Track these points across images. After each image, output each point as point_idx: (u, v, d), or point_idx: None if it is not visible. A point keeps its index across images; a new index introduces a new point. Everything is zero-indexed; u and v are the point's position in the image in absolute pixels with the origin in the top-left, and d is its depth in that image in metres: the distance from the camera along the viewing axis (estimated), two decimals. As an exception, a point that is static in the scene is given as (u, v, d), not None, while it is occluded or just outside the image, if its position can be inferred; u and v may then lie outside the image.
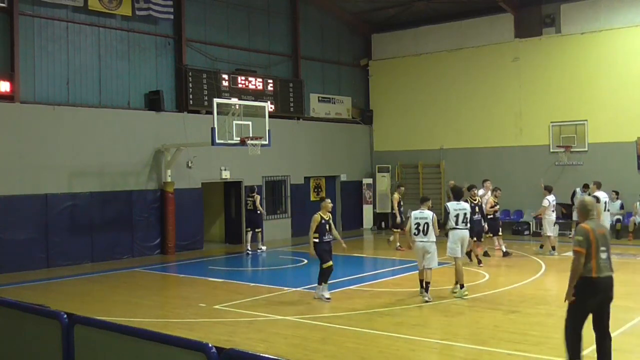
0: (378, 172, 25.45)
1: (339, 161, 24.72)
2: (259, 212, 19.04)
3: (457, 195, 12.81)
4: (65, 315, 4.96)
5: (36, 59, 16.76)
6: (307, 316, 10.53)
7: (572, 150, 21.30)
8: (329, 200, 12.23)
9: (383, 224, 24.96)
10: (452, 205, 12.27)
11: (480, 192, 17.08)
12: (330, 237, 11.94)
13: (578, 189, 19.59)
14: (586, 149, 21.23)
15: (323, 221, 11.80)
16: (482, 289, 12.60)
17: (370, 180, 25.42)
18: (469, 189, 15.65)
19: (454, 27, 24.07)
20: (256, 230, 19.17)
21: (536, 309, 10.96)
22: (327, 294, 11.75)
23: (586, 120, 21.27)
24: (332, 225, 12.04)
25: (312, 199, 23.99)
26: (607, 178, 20.39)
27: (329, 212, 11.98)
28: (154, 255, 18.41)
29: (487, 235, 16.69)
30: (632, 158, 20.41)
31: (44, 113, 16.67)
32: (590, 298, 6.94)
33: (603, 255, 6.96)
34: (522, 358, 8.02)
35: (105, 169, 17.79)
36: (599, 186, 17.24)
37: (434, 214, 11.83)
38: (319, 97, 24.33)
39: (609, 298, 7.06)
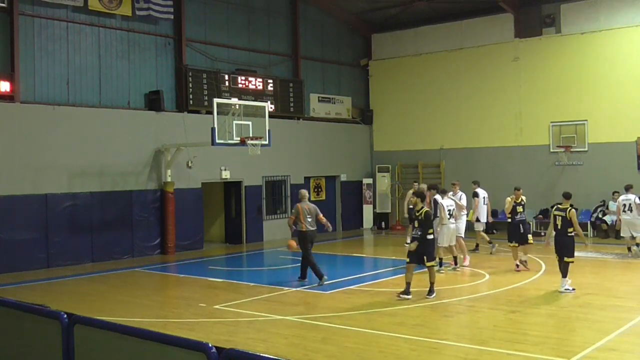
0: (378, 172, 25.46)
1: (339, 161, 24.72)
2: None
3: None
4: (65, 315, 4.96)
5: (36, 59, 16.76)
6: (307, 316, 10.53)
7: (572, 150, 21.31)
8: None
9: (383, 223, 24.98)
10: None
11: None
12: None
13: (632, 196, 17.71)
14: (586, 149, 21.23)
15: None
16: (482, 289, 12.60)
17: (370, 180, 25.42)
18: (516, 189, 14.96)
19: (454, 27, 24.07)
20: None
21: (536, 309, 10.97)
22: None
23: (586, 120, 21.28)
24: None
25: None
26: (607, 178, 20.44)
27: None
28: (154, 255, 18.41)
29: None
30: (632, 158, 20.41)
31: (44, 113, 16.66)
32: (305, 240, 13.32)
33: (309, 219, 13.36)
34: (522, 358, 8.02)
35: (105, 169, 17.79)
36: (477, 184, 17.72)
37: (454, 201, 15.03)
38: (319, 97, 24.33)
39: (313, 241, 13.54)
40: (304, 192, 14.02)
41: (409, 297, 11.49)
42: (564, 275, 12.02)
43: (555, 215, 12.25)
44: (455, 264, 14.80)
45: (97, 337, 4.71)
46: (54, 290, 13.69)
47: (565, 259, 11.99)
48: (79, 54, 17.57)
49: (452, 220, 14.65)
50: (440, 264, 14.64)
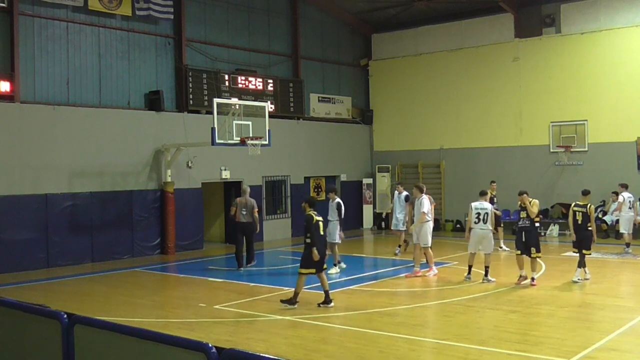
0: (378, 172, 25.46)
1: (339, 161, 24.72)
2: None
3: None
4: (65, 315, 4.96)
5: (36, 59, 16.75)
6: (307, 316, 10.53)
7: (572, 150, 21.31)
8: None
9: (383, 223, 24.96)
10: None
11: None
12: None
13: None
14: (586, 149, 21.23)
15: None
16: (482, 289, 12.59)
17: (370, 180, 25.42)
18: (520, 194, 13.11)
19: (454, 27, 24.07)
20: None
21: (536, 309, 10.96)
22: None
23: (586, 120, 21.28)
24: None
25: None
26: (607, 178, 20.42)
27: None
28: (154, 255, 18.40)
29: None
30: (632, 158, 20.42)
31: (44, 113, 16.66)
32: (238, 228, 15.29)
33: (243, 212, 15.24)
34: (522, 358, 8.02)
35: (105, 169, 17.79)
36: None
37: (492, 206, 13.70)
38: (319, 97, 24.33)
39: (248, 232, 15.45)
40: (246, 187, 16.21)
41: (294, 306, 10.93)
42: (580, 266, 12.98)
43: (575, 211, 13.17)
44: (486, 275, 13.29)
45: (97, 337, 4.71)
46: (54, 290, 13.69)
47: (584, 251, 12.97)
48: (78, 54, 17.57)
49: (481, 224, 13.18)
50: (486, 273, 13.32)
